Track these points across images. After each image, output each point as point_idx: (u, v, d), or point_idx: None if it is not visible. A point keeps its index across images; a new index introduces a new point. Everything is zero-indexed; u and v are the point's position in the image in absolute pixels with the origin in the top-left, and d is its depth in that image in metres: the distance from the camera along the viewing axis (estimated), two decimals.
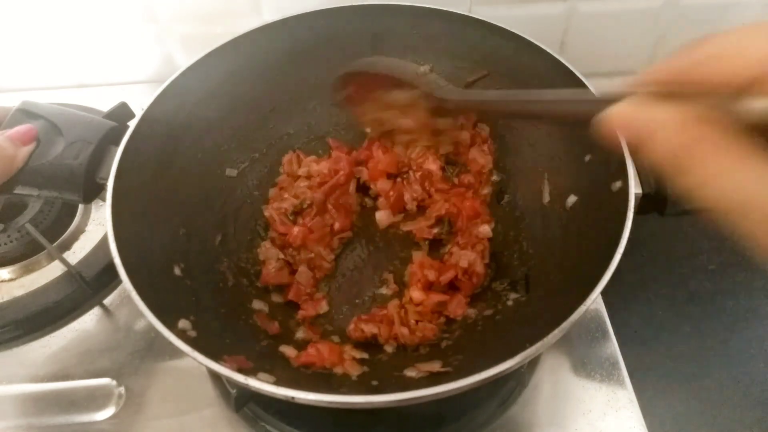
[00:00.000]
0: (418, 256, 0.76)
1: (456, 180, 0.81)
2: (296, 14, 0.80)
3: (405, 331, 0.68)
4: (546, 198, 0.76)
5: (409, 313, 0.70)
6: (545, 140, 0.77)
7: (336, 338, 0.70)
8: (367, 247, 0.79)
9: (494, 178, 0.82)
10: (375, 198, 0.82)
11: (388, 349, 0.68)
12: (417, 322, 0.69)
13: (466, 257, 0.72)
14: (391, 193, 0.80)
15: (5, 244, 0.80)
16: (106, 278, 0.78)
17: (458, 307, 0.70)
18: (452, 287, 0.73)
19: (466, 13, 0.80)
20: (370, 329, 0.68)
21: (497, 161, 0.82)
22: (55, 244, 0.80)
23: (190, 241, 0.70)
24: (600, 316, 0.75)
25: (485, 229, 0.77)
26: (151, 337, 0.73)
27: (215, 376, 0.69)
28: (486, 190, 0.81)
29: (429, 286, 0.72)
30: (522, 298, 0.70)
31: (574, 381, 0.70)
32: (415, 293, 0.70)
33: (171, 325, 0.54)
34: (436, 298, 0.70)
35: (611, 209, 0.61)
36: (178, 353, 0.51)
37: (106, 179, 0.63)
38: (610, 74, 0.99)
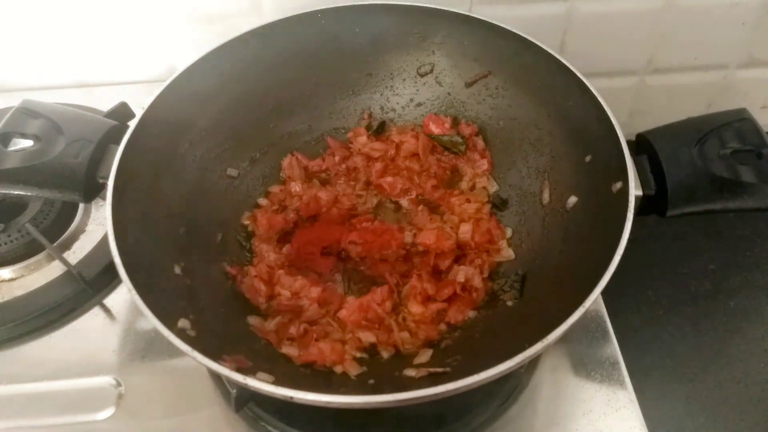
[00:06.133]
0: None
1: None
2: (296, 14, 0.80)
3: (406, 335, 0.67)
4: (546, 198, 0.75)
5: (407, 320, 0.69)
6: (546, 140, 0.77)
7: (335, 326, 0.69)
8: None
9: (494, 188, 0.82)
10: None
11: (385, 354, 0.68)
12: (418, 324, 0.69)
13: (464, 273, 0.71)
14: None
15: (5, 244, 0.80)
16: (106, 278, 0.78)
17: (458, 312, 0.69)
18: (453, 300, 0.72)
19: (466, 13, 0.80)
20: (367, 338, 0.67)
21: (495, 167, 0.82)
22: (55, 244, 0.80)
23: (190, 240, 0.70)
24: (600, 317, 0.75)
25: (508, 253, 0.75)
26: (151, 337, 0.73)
27: (215, 376, 0.69)
28: (486, 209, 0.80)
29: (427, 300, 0.70)
30: (517, 300, 0.70)
31: (575, 381, 0.70)
32: (414, 307, 0.69)
33: (170, 325, 0.54)
34: (436, 307, 0.69)
35: (612, 210, 0.61)
36: (178, 353, 0.51)
37: (107, 178, 0.63)
38: (610, 74, 0.99)
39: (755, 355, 0.83)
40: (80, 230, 0.84)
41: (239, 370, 0.51)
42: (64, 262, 0.77)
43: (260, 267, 0.73)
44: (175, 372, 0.70)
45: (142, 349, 0.72)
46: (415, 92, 0.87)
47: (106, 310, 0.77)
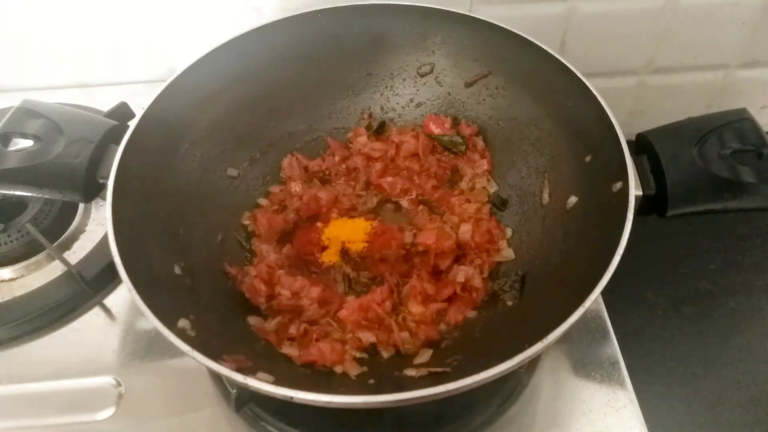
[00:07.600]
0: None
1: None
2: (296, 14, 0.80)
3: (406, 335, 0.67)
4: (546, 198, 0.75)
5: (407, 320, 0.69)
6: (547, 140, 0.77)
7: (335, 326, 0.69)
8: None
9: (494, 188, 0.82)
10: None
11: (385, 354, 0.67)
12: (418, 324, 0.69)
13: (463, 273, 0.71)
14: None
15: (5, 244, 0.80)
16: (106, 278, 0.78)
17: (458, 313, 0.69)
18: (453, 300, 0.72)
19: (466, 13, 0.80)
20: (367, 338, 0.67)
21: (495, 167, 0.82)
22: (55, 244, 0.80)
23: (190, 240, 0.70)
24: (600, 316, 0.75)
25: (508, 253, 0.75)
26: (151, 337, 0.73)
27: (215, 376, 0.69)
28: (485, 209, 0.79)
29: (427, 300, 0.70)
30: (517, 300, 0.70)
31: (575, 381, 0.70)
32: (414, 307, 0.69)
33: (170, 325, 0.54)
34: (436, 307, 0.69)
35: (611, 210, 0.61)
36: (178, 353, 0.51)
37: (107, 178, 0.63)
38: (610, 74, 0.99)
39: (755, 355, 0.83)
40: (80, 230, 0.84)
41: (239, 370, 0.51)
42: (64, 262, 0.77)
43: (260, 267, 0.73)
44: (175, 372, 0.70)
45: (142, 349, 0.72)
46: (415, 92, 0.87)
47: (106, 310, 0.77)
